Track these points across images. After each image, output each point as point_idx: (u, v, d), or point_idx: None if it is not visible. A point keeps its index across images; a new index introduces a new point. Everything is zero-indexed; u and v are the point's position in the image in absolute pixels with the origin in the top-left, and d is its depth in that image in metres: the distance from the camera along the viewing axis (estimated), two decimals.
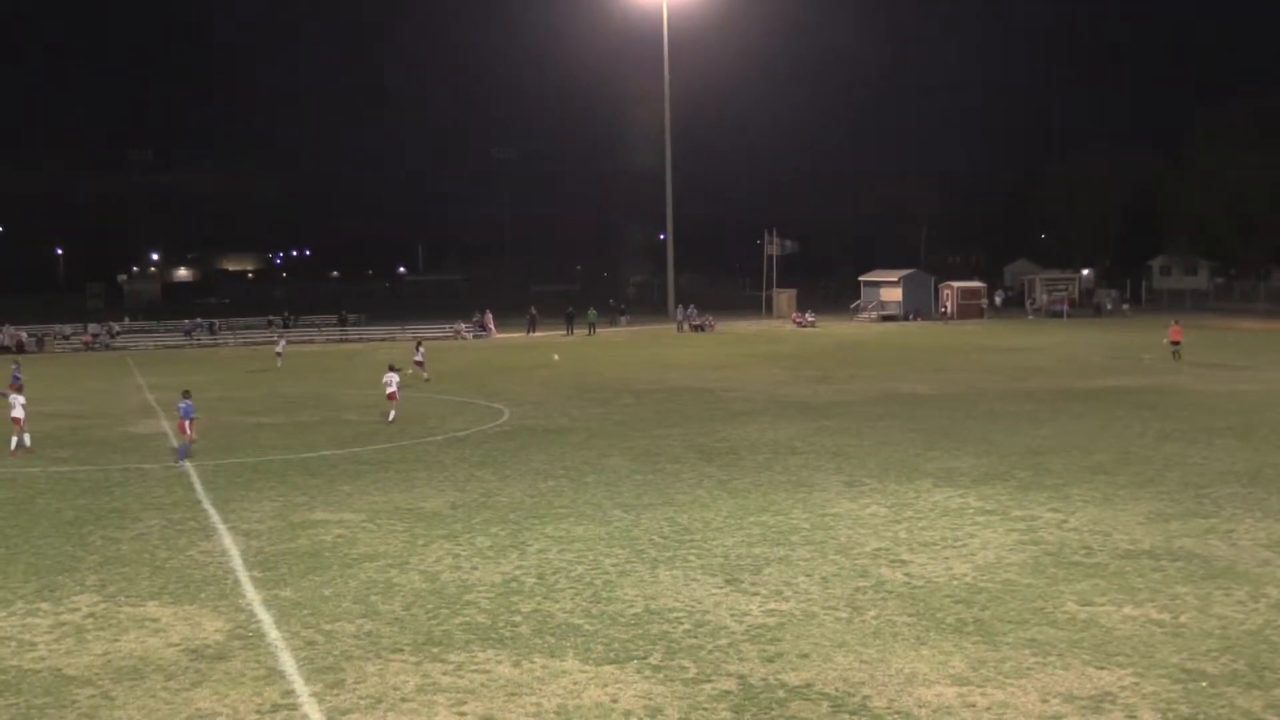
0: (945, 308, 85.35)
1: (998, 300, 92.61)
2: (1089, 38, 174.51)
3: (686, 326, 77.48)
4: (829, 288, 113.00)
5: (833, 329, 75.60)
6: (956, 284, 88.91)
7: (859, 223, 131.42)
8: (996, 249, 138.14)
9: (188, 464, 25.93)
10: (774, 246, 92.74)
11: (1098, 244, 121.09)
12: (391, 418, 32.20)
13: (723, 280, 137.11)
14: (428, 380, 42.94)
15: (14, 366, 39.98)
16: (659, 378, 44.49)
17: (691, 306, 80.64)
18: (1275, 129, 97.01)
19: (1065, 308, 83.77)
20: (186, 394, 27.51)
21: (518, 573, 16.29)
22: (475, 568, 16.62)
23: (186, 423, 26.71)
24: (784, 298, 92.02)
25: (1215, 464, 23.69)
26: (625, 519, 19.54)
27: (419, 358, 45.23)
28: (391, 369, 33.62)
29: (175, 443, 27.85)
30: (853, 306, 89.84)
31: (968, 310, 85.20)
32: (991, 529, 18.35)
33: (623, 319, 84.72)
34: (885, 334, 70.20)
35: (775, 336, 70.35)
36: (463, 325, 75.68)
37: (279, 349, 55.67)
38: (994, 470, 23.38)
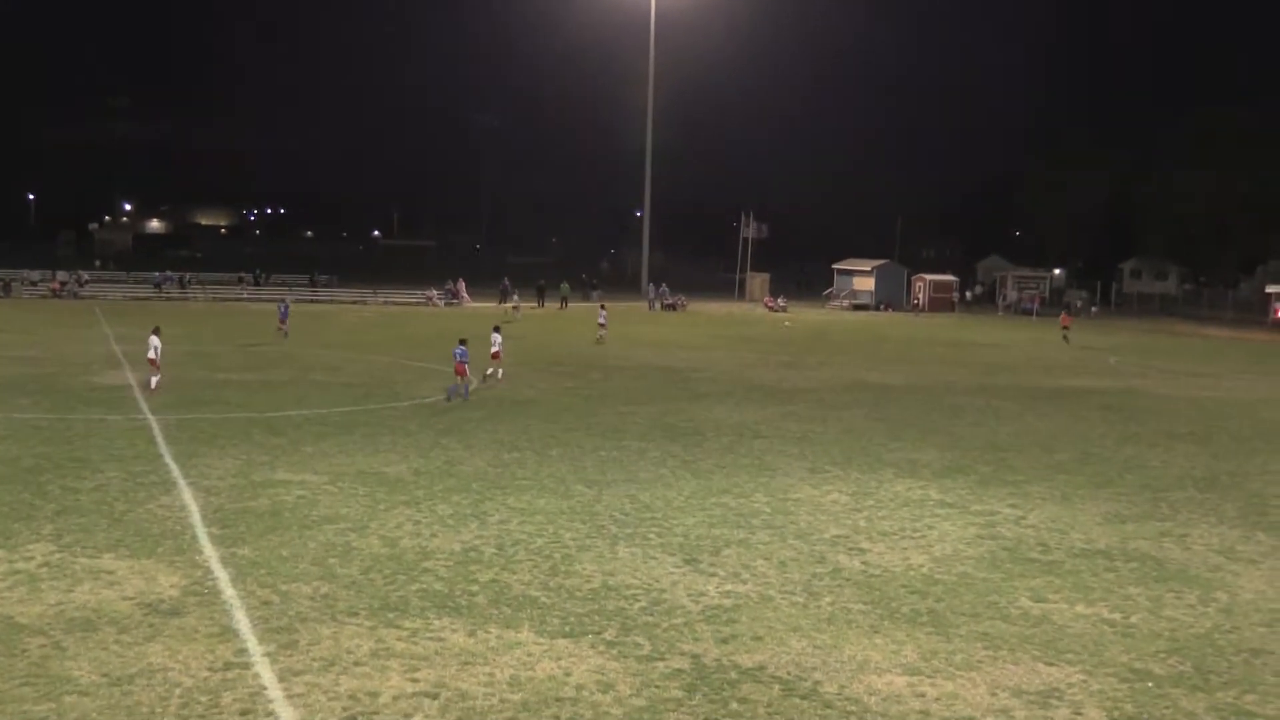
0: (917, 300, 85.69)
1: (969, 295, 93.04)
2: (1073, 37, 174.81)
3: (658, 305, 77.51)
4: (803, 274, 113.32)
5: (804, 315, 75.73)
6: (929, 277, 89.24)
7: (835, 210, 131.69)
8: (970, 244, 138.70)
9: (455, 399, 29.73)
10: (749, 230, 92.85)
11: (1071, 244, 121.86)
12: (495, 374, 33.98)
13: (697, 261, 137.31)
14: (600, 341, 48.35)
15: (282, 305, 49.28)
16: (628, 355, 44.49)
17: (664, 285, 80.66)
18: (1252, 137, 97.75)
19: (1035, 306, 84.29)
20: (463, 340, 30.88)
21: (477, 542, 16.27)
22: (435, 535, 16.60)
23: (465, 365, 30.23)
24: (757, 282, 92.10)
25: (1173, 468, 23.90)
26: (587, 494, 19.55)
27: (602, 320, 50.51)
28: (496, 330, 35.52)
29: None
30: (825, 294, 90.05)
31: (939, 303, 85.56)
32: (950, 522, 18.46)
33: (595, 294, 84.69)
34: (856, 323, 70.42)
35: (747, 320, 70.44)
36: (435, 292, 75.43)
37: (514, 303, 67.51)
38: (956, 464, 23.50)
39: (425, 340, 47.81)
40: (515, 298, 70.21)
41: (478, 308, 71.84)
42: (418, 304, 73.30)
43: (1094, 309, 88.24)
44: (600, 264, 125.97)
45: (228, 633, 12.42)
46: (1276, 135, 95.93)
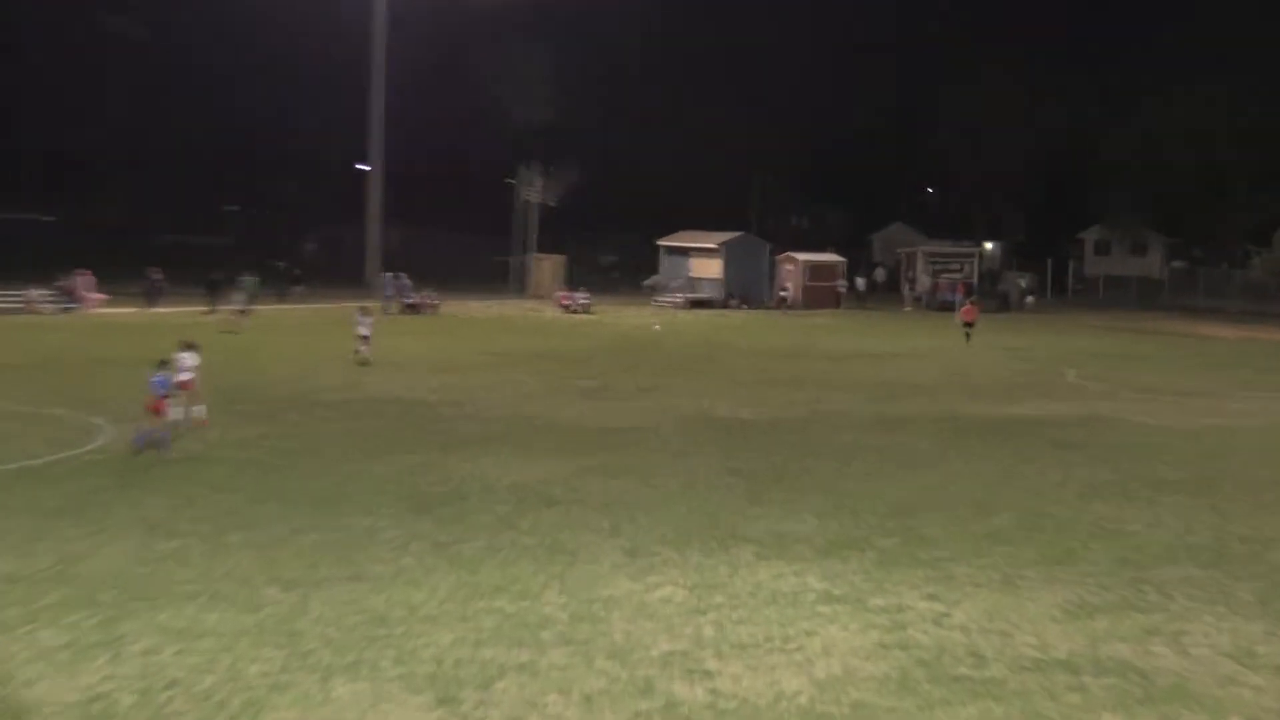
0: (785, 290, 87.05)
1: (861, 284, 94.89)
2: None
3: (396, 306, 77.12)
4: (617, 255, 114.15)
5: (618, 317, 76.14)
6: (802, 256, 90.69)
7: (663, 163, 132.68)
8: (864, 209, 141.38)
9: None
10: (533, 190, 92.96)
11: (1008, 206, 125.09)
12: (192, 414, 33.77)
13: (455, 239, 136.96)
14: (365, 364, 49.03)
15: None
16: (351, 382, 44.13)
17: (404, 277, 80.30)
18: (1250, 51, 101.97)
19: (959, 296, 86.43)
20: (164, 363, 31.96)
21: (108, 686, 15.78)
22: (39, 678, 16.03)
23: (167, 401, 31.06)
24: (546, 268, 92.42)
25: (1162, 534, 24.59)
26: (286, 601, 19.16)
27: (365, 330, 50.92)
28: (189, 348, 34.98)
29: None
30: (647, 284, 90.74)
31: (819, 295, 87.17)
32: (840, 624, 18.60)
33: (298, 290, 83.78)
34: (695, 327, 71.09)
35: (531, 325, 70.48)
36: (39, 293, 73.40)
37: (241, 305, 66.52)
38: (846, 536, 23.76)
39: (28, 367, 46.48)
40: (243, 299, 69.03)
41: (114, 314, 70.22)
42: (14, 310, 71.20)
43: (1029, 299, 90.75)
44: (305, 244, 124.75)
45: None
46: None
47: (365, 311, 52.47)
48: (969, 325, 64.49)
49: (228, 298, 71.56)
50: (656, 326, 68.58)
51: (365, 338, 50.58)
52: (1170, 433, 36.98)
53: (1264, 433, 37.39)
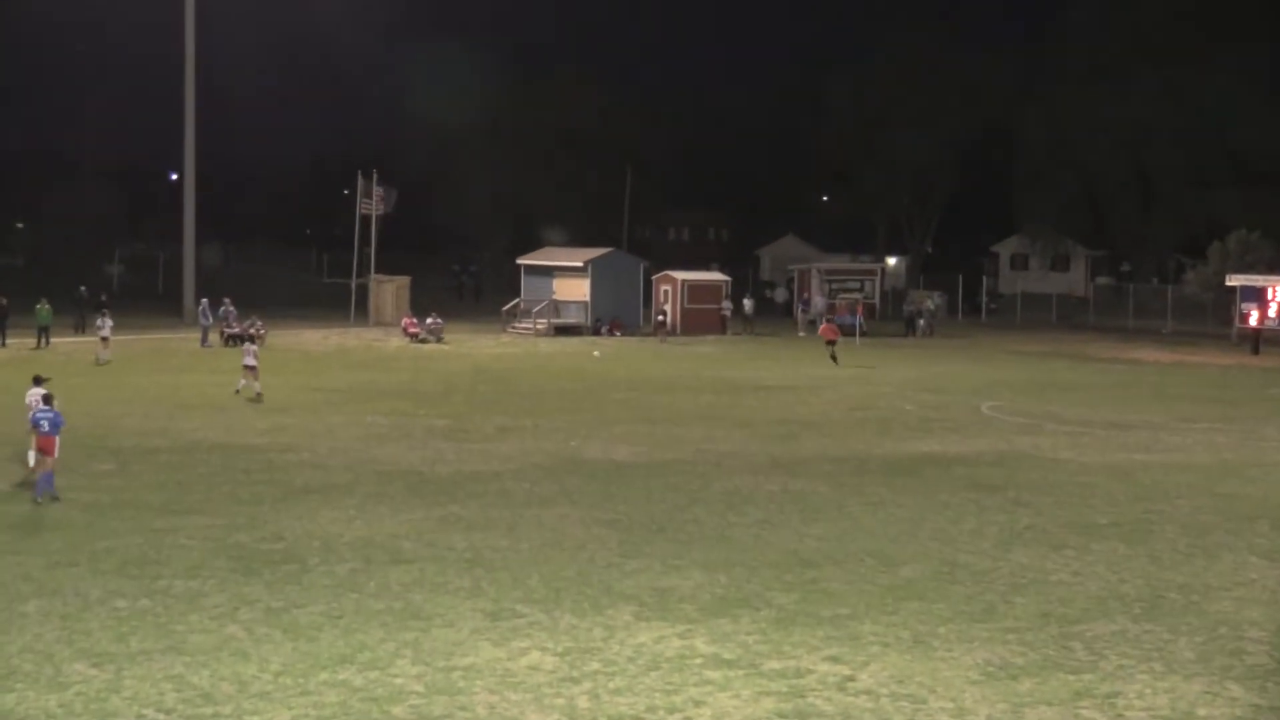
0: (663, 314, 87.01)
1: (748, 305, 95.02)
2: None
3: (216, 336, 76.39)
4: (468, 275, 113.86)
5: (474, 345, 75.89)
6: (681, 275, 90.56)
7: (521, 171, 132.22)
8: (751, 217, 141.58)
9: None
10: (374, 202, 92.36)
11: (914, 216, 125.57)
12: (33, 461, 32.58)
13: (282, 258, 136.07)
14: (256, 399, 50.21)
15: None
16: (167, 425, 43.70)
17: (226, 303, 79.49)
18: (1181, 40, 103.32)
19: (860, 319, 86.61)
20: (48, 396, 32.49)
21: None
22: None
23: (56, 439, 30.99)
24: (389, 291, 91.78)
25: (1091, 584, 24.82)
26: (96, 679, 18.93)
27: (250, 360, 51.90)
28: (38, 382, 34.81)
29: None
30: (507, 309, 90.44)
31: (701, 320, 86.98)
32: (731, 691, 18.64)
33: (102, 319, 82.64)
34: (561, 357, 70.96)
35: (375, 357, 70.06)
36: None
37: (104, 330, 66.96)
38: (737, 592, 23.82)
39: None
40: (105, 322, 67.36)
41: None
42: None
43: (921, 321, 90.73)
44: (109, 266, 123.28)
45: None
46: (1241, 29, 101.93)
47: (251, 340, 52.90)
48: (831, 344, 65.84)
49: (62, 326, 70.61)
50: (596, 353, 69.66)
51: (252, 368, 51.11)
52: (1099, 471, 37.28)
53: (1205, 471, 37.71)
